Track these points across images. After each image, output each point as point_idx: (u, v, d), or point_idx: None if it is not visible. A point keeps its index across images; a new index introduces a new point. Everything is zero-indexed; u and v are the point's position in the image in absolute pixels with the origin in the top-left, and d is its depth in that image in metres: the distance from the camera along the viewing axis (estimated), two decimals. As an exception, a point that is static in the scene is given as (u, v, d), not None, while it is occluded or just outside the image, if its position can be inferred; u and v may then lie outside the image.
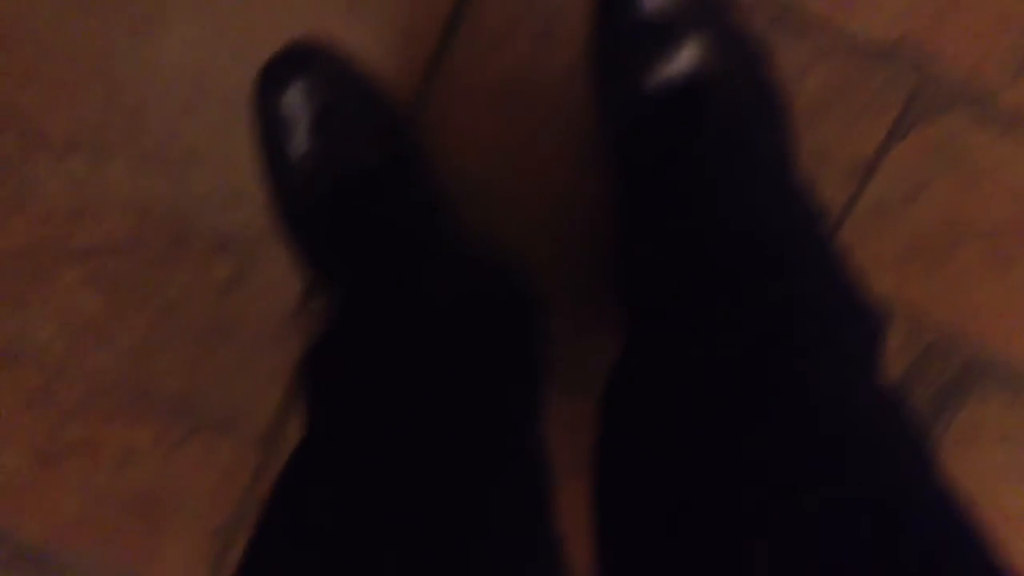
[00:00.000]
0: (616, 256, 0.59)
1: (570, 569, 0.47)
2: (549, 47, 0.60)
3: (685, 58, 0.53)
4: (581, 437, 0.50)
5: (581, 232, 0.65)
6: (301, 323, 0.68)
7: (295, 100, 0.57)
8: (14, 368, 0.72)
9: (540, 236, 0.65)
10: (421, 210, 0.60)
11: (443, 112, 0.62)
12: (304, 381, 0.57)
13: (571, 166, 0.63)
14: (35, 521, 0.78)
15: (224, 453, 0.73)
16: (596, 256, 0.64)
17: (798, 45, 0.57)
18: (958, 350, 0.65)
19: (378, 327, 0.55)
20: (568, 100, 0.60)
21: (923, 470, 0.39)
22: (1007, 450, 0.67)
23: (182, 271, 0.68)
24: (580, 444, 0.50)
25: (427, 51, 0.60)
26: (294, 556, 0.42)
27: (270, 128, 0.59)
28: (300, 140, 0.59)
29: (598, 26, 0.56)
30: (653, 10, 0.53)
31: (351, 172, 0.59)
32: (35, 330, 0.71)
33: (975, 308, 0.64)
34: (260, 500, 0.73)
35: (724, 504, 0.39)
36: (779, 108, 0.55)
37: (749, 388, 0.42)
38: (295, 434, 0.72)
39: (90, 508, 0.77)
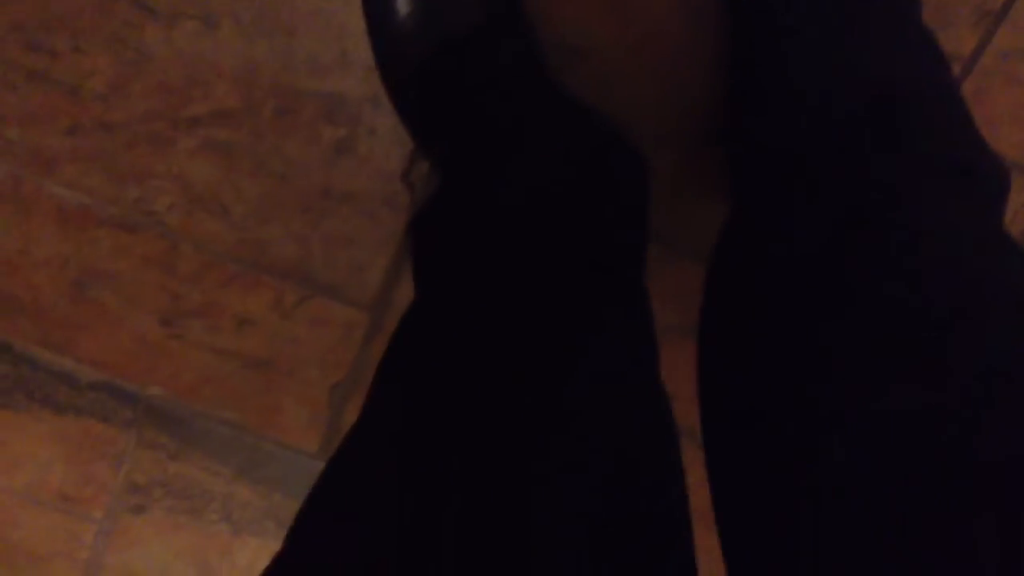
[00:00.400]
0: (727, 116, 0.58)
1: (674, 423, 0.47)
2: None
3: None
4: (685, 298, 0.51)
5: (686, 90, 0.63)
6: (409, 187, 0.68)
7: None
8: (137, 236, 0.75)
9: (643, 95, 0.64)
10: (522, 70, 0.60)
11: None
12: (413, 245, 0.58)
13: (680, 22, 0.61)
14: (162, 381, 0.82)
15: (337, 316, 0.76)
16: (701, 116, 0.63)
17: None
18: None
19: (484, 189, 0.55)
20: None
21: None
22: None
23: (291, 138, 0.69)
24: (684, 305, 0.50)
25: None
26: (411, 410, 0.43)
27: None
28: (403, 1, 0.58)
29: None
30: None
31: (453, 33, 0.58)
32: (155, 199, 0.73)
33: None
34: (375, 361, 0.76)
35: (808, 395, 0.39)
36: None
37: (866, 255, 0.42)
38: (405, 296, 0.74)
39: (212, 369, 0.81)
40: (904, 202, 0.43)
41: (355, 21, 0.62)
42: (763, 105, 0.52)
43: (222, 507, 0.89)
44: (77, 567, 0.93)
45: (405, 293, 0.74)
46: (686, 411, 0.48)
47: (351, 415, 0.81)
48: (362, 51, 0.62)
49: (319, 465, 0.83)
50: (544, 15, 0.62)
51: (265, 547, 0.90)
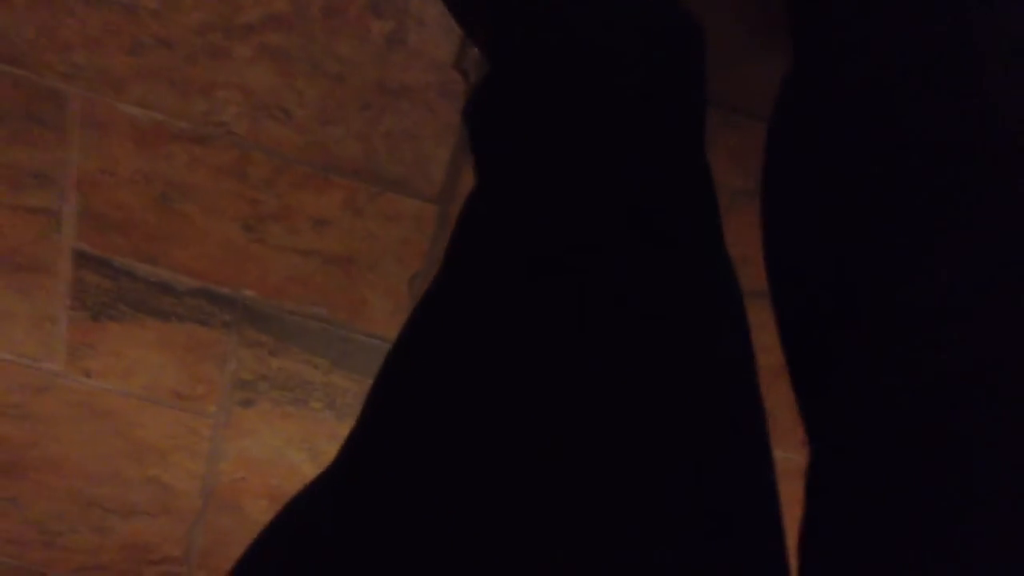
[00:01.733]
0: None
1: (740, 289, 0.47)
2: None
3: None
4: (750, 161, 0.50)
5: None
6: (462, 74, 0.68)
7: None
8: (208, 146, 0.77)
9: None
10: None
11: None
12: (469, 131, 0.57)
13: None
14: (252, 283, 0.86)
15: (407, 209, 0.77)
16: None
17: None
18: None
19: (538, 68, 0.54)
20: None
21: None
22: None
23: (342, 36, 0.69)
24: (749, 168, 0.49)
25: None
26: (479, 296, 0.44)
27: None
28: None
29: None
30: None
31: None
32: (221, 109, 0.75)
33: None
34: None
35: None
36: None
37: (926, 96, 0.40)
38: (469, 184, 0.75)
39: (296, 268, 0.84)
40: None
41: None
42: None
43: (324, 395, 0.94)
44: (199, 457, 1.00)
45: (469, 182, 0.74)
46: (758, 275, 0.48)
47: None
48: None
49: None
50: None
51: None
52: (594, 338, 0.38)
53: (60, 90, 0.76)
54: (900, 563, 0.30)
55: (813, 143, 0.45)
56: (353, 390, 0.93)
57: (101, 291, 0.87)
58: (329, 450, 0.97)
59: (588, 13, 0.55)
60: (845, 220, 0.41)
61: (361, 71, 0.70)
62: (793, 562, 0.35)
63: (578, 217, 0.44)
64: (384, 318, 0.86)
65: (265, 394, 0.94)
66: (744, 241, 0.51)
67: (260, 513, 1.04)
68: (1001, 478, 0.29)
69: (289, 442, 0.98)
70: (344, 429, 0.93)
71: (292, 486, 0.98)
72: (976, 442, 0.30)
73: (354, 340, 0.89)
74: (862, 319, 0.38)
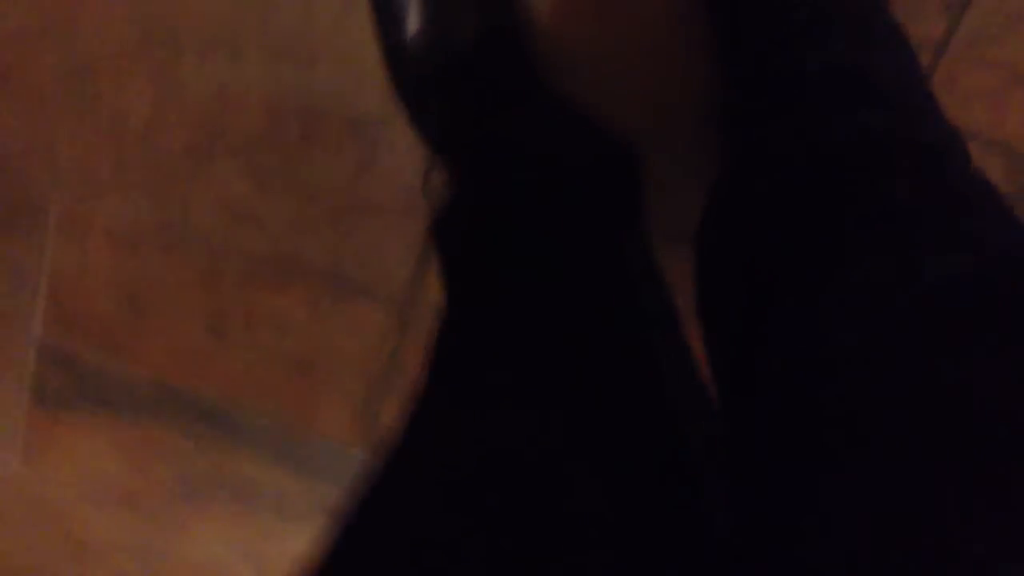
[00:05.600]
0: (719, 109, 0.63)
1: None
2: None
3: None
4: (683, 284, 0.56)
5: (678, 84, 0.68)
6: (428, 197, 0.74)
7: None
8: (184, 252, 0.81)
9: (640, 98, 0.69)
10: (520, 78, 0.65)
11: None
12: (436, 247, 0.63)
13: (667, 21, 0.66)
14: (212, 384, 0.89)
15: (370, 317, 0.82)
16: (694, 108, 0.68)
17: None
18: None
19: (494, 191, 0.60)
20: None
21: None
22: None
23: (318, 157, 0.75)
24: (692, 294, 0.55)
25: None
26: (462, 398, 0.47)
27: (384, 12, 0.64)
28: (412, 20, 0.64)
29: None
30: None
31: (456, 48, 0.64)
32: (199, 218, 0.80)
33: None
34: (407, 358, 0.81)
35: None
36: None
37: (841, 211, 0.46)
38: (431, 296, 0.80)
39: (256, 371, 0.88)
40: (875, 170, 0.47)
41: (369, 44, 0.68)
42: (744, 89, 0.57)
43: (274, 500, 0.95)
44: (138, 559, 1.00)
45: (430, 294, 0.80)
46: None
47: (386, 409, 0.87)
48: (377, 72, 0.68)
49: (361, 454, 0.89)
50: (540, 25, 0.67)
51: (315, 535, 0.97)
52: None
53: (42, 192, 0.80)
54: None
55: (738, 240, 0.52)
56: (304, 495, 0.95)
57: (62, 386, 0.89)
58: (273, 558, 0.98)
59: (536, 150, 0.62)
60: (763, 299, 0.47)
61: (333, 190, 0.76)
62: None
63: (542, 339, 0.48)
64: (339, 424, 0.90)
65: (214, 496, 0.95)
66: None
67: (199, 618, 1.03)
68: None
69: (233, 547, 0.99)
70: (291, 535, 0.95)
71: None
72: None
73: (309, 444, 0.92)
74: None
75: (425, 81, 0.66)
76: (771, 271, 0.48)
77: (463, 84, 0.64)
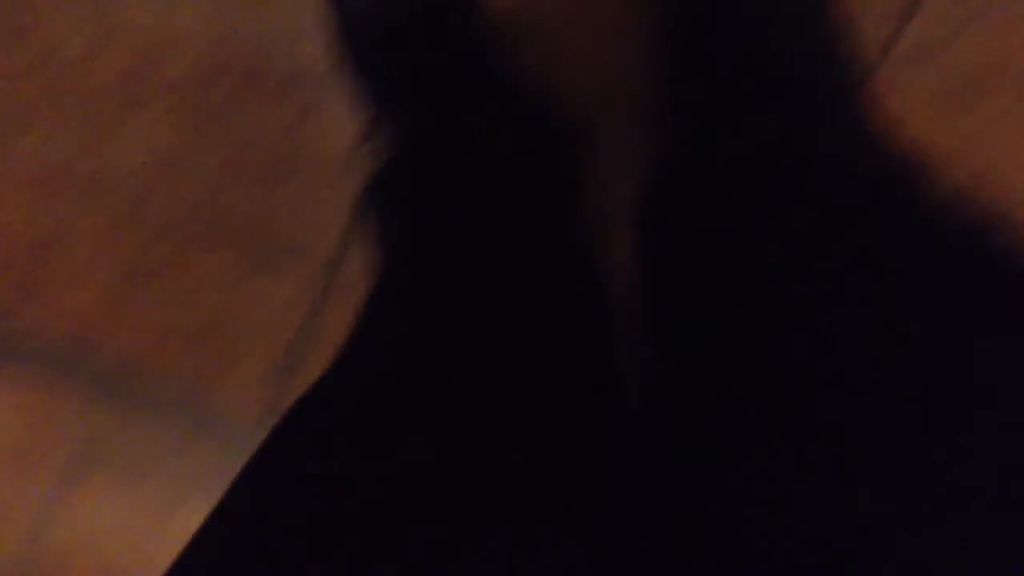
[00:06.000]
0: (663, 83, 0.63)
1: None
2: None
3: None
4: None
5: (628, 61, 0.68)
6: (364, 156, 0.73)
7: None
8: (105, 193, 0.78)
9: (587, 77, 0.69)
10: (469, 45, 0.65)
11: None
12: (372, 206, 0.61)
13: (623, 10, 0.67)
14: (119, 338, 0.85)
15: (290, 280, 0.80)
16: (642, 85, 0.68)
17: None
18: (982, 196, 0.68)
19: (435, 156, 0.59)
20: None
21: None
22: None
23: (256, 106, 0.73)
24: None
25: None
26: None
27: None
28: None
29: None
30: None
31: (409, 5, 0.63)
32: (124, 158, 0.77)
33: (1004, 153, 0.66)
34: (327, 323, 0.79)
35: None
36: None
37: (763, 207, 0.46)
38: (356, 262, 0.78)
39: (167, 330, 0.84)
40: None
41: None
42: (688, 75, 0.57)
43: (174, 468, 0.91)
44: (23, 521, 0.95)
45: (355, 257, 0.78)
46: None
47: (300, 376, 0.84)
48: (324, 24, 0.67)
49: (262, 434, 0.86)
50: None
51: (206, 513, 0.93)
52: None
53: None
54: None
55: (676, 227, 0.51)
56: (205, 465, 0.91)
57: (-41, 327, 0.85)
58: (171, 526, 0.93)
59: (485, 111, 0.62)
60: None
61: (268, 140, 0.74)
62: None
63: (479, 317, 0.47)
64: (244, 391, 0.86)
65: (108, 463, 0.91)
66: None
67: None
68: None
69: (122, 519, 0.94)
70: (189, 505, 0.91)
71: (129, 561, 0.93)
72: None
73: (208, 417, 0.89)
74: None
75: (372, 38, 0.65)
76: (706, 262, 0.48)
77: (411, 44, 0.63)
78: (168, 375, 0.86)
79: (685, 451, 0.41)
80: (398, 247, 0.56)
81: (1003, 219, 0.42)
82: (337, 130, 0.73)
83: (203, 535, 0.36)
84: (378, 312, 0.48)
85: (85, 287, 0.82)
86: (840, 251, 0.42)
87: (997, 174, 0.67)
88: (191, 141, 0.75)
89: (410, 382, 0.41)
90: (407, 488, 0.35)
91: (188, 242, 0.79)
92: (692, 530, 0.37)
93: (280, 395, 0.87)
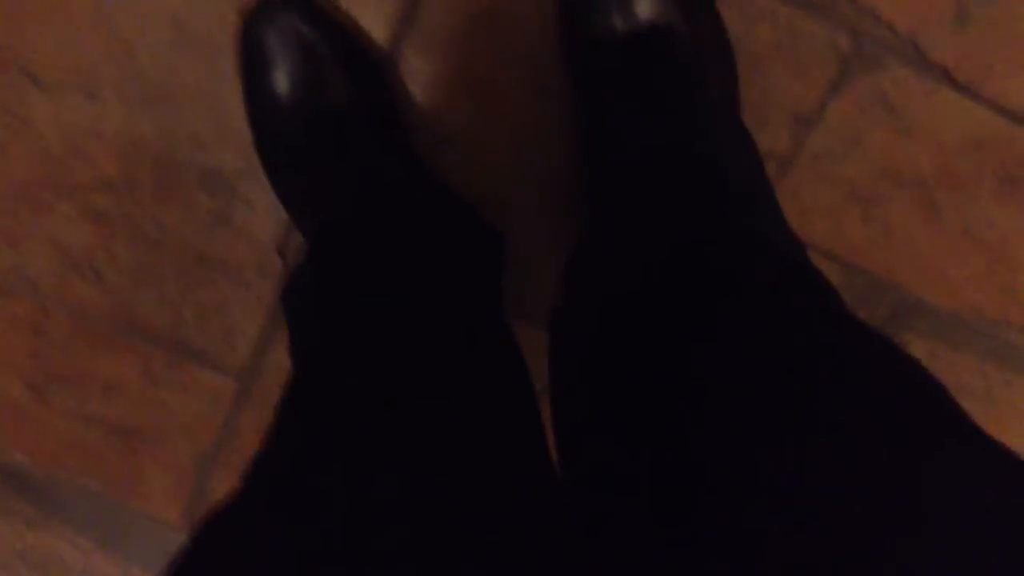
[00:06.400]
0: (579, 180, 0.64)
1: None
2: None
3: (645, 2, 0.58)
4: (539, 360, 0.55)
5: (545, 170, 0.69)
6: (282, 257, 0.72)
7: (276, 38, 0.61)
8: (8, 300, 0.76)
9: (505, 174, 0.69)
10: (391, 149, 0.65)
11: (417, 57, 0.66)
12: (286, 310, 0.60)
13: (538, 109, 0.67)
14: (26, 446, 0.82)
15: (205, 383, 0.77)
16: (557, 194, 0.69)
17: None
18: (887, 295, 0.70)
19: (351, 257, 0.59)
20: (537, 46, 0.65)
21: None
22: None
23: (170, 207, 0.72)
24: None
25: None
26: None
27: (252, 65, 0.63)
28: (280, 78, 0.63)
29: None
30: None
31: (327, 110, 0.63)
32: (29, 263, 0.74)
33: (905, 254, 0.69)
34: (242, 429, 0.77)
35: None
36: (729, 55, 0.60)
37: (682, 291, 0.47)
38: (274, 364, 0.76)
39: (77, 434, 0.81)
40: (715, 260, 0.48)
41: (234, 98, 0.66)
42: (604, 170, 0.59)
43: (80, 580, 0.88)
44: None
45: (273, 361, 0.76)
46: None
47: (215, 484, 0.81)
48: (240, 126, 0.66)
49: (180, 537, 0.83)
50: (412, 97, 0.67)
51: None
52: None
53: None
54: None
55: (586, 320, 0.52)
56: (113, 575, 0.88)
57: None
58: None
59: (400, 217, 0.61)
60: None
61: (182, 242, 0.72)
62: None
63: (392, 415, 0.46)
64: (161, 497, 0.83)
65: (15, 571, 0.87)
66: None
67: None
68: None
69: (29, 633, 0.90)
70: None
71: None
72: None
73: (123, 521, 0.85)
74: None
75: (289, 141, 0.65)
76: (615, 356, 0.48)
77: (329, 148, 0.63)
78: (83, 478, 0.83)
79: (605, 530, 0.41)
80: (311, 351, 0.55)
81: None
82: (253, 232, 0.72)
83: None
84: (288, 423, 0.47)
85: (-12, 394, 0.79)
86: (755, 339, 0.42)
87: (906, 270, 0.69)
88: (100, 245, 0.73)
89: (325, 494, 0.40)
90: None
91: (98, 347, 0.77)
92: None
93: (199, 500, 0.84)
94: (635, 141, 0.58)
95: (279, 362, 0.76)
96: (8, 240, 0.74)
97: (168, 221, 0.72)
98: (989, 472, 0.33)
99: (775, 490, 0.34)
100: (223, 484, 0.82)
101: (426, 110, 0.68)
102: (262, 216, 0.71)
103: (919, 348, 0.72)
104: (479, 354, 0.52)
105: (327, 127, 0.63)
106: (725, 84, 0.62)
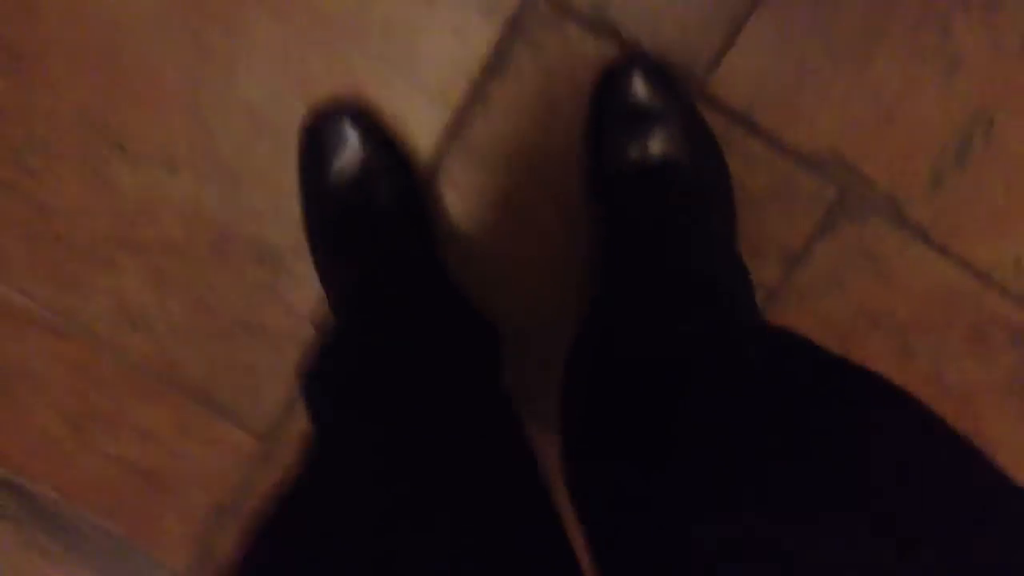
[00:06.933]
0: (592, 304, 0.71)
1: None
2: (553, 125, 0.73)
3: (659, 141, 0.67)
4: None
5: (562, 285, 0.77)
6: (316, 329, 0.79)
7: (333, 139, 0.71)
8: (61, 340, 0.84)
9: (523, 279, 0.77)
10: (420, 250, 0.73)
11: (457, 168, 0.75)
12: (305, 387, 0.67)
13: (562, 228, 0.76)
14: (57, 480, 0.88)
15: (230, 439, 0.84)
16: (574, 302, 0.76)
17: (747, 145, 0.70)
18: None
19: (371, 342, 0.66)
20: (565, 173, 0.73)
21: None
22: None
23: (222, 273, 0.80)
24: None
25: (450, 116, 0.74)
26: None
27: (310, 158, 0.72)
28: (331, 173, 0.72)
29: (593, 111, 0.69)
30: (638, 101, 0.67)
31: (368, 209, 0.72)
32: (87, 308, 0.83)
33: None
34: (258, 487, 0.83)
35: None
36: (729, 192, 0.68)
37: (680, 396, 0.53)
38: (296, 430, 0.83)
39: (106, 474, 0.87)
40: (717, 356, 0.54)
41: (292, 182, 0.75)
42: (614, 278, 0.66)
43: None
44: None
45: (295, 427, 0.83)
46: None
47: (226, 538, 0.87)
48: (293, 206, 0.75)
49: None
50: (445, 208, 0.76)
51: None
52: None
53: (-56, 256, 0.82)
54: None
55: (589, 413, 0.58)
56: (116, 615, 0.92)
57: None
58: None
59: (423, 308, 0.69)
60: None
61: (228, 305, 0.80)
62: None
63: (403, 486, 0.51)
64: (173, 543, 0.89)
65: (24, 600, 0.92)
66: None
67: None
68: None
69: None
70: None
71: None
72: None
73: (141, 567, 0.90)
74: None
75: (332, 230, 0.73)
76: (614, 442, 0.54)
77: (366, 243, 0.72)
78: (104, 516, 0.89)
79: None
80: (327, 430, 0.60)
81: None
82: (290, 306, 0.79)
83: None
84: (304, 496, 0.51)
85: (26, 430, 0.86)
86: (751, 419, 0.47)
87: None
88: (155, 299, 0.81)
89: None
90: None
91: (138, 394, 0.84)
92: None
93: (208, 552, 0.89)
94: (644, 259, 0.65)
95: (300, 429, 0.82)
96: (72, 285, 0.82)
97: (219, 285, 0.80)
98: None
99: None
100: (232, 539, 0.87)
101: (459, 220, 0.76)
102: (303, 290, 0.79)
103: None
104: (475, 420, 0.58)
105: (365, 223, 0.72)
106: (725, 218, 0.70)
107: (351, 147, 0.72)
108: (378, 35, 0.72)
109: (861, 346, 0.74)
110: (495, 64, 0.71)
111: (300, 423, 0.83)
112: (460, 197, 0.76)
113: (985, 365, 0.73)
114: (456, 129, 0.73)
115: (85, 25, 0.75)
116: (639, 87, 0.67)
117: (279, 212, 0.77)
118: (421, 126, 0.74)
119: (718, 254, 0.66)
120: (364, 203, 0.72)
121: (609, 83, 0.68)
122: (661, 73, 0.68)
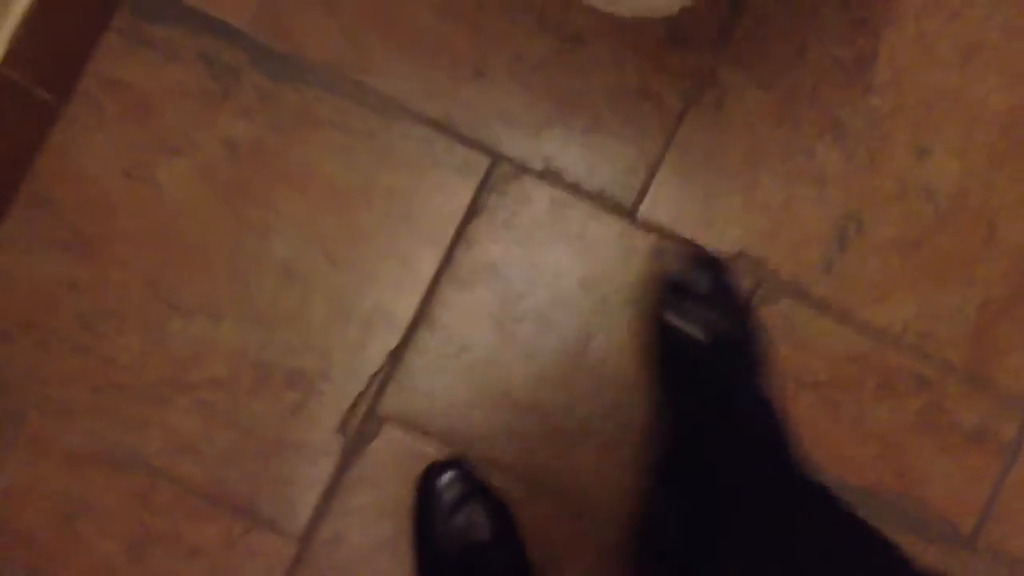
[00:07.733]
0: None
1: None
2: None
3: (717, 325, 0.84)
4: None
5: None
6: (343, 437, 0.94)
7: (449, 492, 0.92)
8: (122, 474, 0.98)
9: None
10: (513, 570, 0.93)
11: (449, 294, 0.93)
12: None
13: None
14: (116, 603, 0.99)
15: (270, 547, 0.97)
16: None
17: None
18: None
19: None
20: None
21: None
22: None
23: (260, 399, 0.96)
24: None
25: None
26: None
27: (424, 507, 0.93)
28: (442, 517, 0.92)
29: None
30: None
31: (469, 545, 0.92)
32: (146, 445, 0.97)
33: (815, 445, 0.90)
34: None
35: None
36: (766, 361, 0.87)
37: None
38: (328, 531, 0.96)
39: (161, 595, 0.99)
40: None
41: (318, 318, 0.92)
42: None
43: None
44: None
45: (328, 528, 0.96)
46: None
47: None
48: (319, 339, 0.92)
49: None
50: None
51: None
52: None
53: (22, 412, 0.98)
54: None
55: None
56: None
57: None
58: None
59: None
60: None
61: (266, 427, 0.96)
62: None
63: None
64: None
65: None
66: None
67: None
68: None
69: None
70: None
71: None
72: None
73: None
74: None
75: (441, 566, 0.93)
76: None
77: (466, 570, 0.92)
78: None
79: None
80: None
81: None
82: (319, 421, 0.95)
83: None
84: None
85: (88, 555, 0.99)
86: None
87: (817, 456, 0.90)
88: (203, 429, 0.97)
89: None
90: None
91: (190, 515, 0.97)
92: None
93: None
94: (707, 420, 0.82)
95: (333, 532, 0.96)
96: (132, 426, 0.97)
97: (257, 410, 0.96)
98: None
99: None
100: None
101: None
102: (329, 407, 0.95)
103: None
104: None
105: (466, 556, 0.91)
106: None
107: (457, 499, 0.93)
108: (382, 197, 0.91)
109: (794, 404, 0.90)
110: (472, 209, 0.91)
111: (332, 527, 0.97)
112: (455, 317, 0.93)
113: (898, 411, 0.89)
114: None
115: (148, 215, 0.94)
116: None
117: (308, 345, 0.94)
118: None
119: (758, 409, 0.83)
120: (464, 540, 0.92)
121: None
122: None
